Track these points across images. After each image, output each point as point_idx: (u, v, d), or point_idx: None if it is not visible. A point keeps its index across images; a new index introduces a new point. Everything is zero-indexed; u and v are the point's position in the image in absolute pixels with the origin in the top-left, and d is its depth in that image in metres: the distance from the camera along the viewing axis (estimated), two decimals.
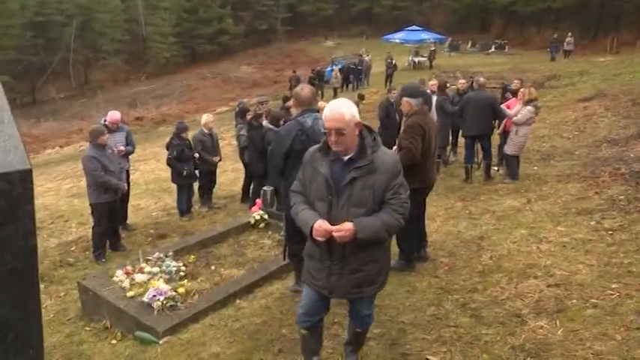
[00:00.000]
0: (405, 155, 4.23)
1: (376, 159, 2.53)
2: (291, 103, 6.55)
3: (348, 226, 2.47)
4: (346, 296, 2.81)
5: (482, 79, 8.61)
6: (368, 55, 27.15)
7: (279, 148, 3.88)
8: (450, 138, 9.28)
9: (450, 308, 3.88)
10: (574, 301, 3.80)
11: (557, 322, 3.51)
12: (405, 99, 4.48)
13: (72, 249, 6.37)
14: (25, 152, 0.76)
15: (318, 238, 2.51)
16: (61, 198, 9.93)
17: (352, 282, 2.67)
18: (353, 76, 23.92)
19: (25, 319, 0.79)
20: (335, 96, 20.99)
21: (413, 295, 4.15)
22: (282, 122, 6.62)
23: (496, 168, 8.33)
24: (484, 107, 7.62)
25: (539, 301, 3.84)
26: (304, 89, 3.95)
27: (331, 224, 2.52)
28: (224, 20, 46.11)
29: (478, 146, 8.08)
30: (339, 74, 22.65)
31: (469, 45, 36.54)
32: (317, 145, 2.73)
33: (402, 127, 4.53)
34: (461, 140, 9.03)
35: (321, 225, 2.50)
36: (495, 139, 8.35)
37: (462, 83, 9.85)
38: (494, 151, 8.22)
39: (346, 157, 2.57)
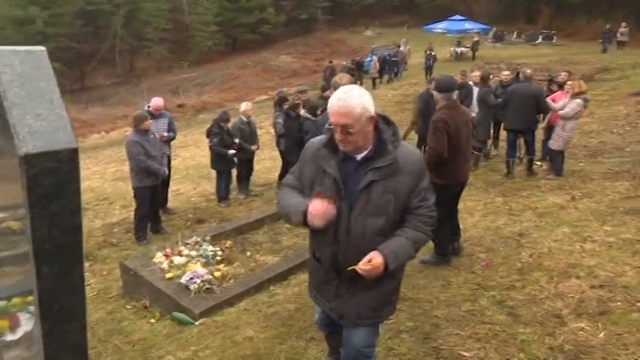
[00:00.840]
0: (429, 155, 4.19)
1: (399, 157, 2.07)
2: (329, 92, 6.53)
3: (377, 261, 2.00)
4: (360, 322, 2.28)
5: (528, 71, 8.31)
6: (406, 46, 26.68)
7: (318, 135, 3.89)
8: (492, 131, 9.04)
9: (485, 305, 3.80)
10: (618, 303, 3.65)
11: (600, 325, 3.39)
12: (434, 92, 4.45)
13: (115, 230, 6.61)
14: (73, 132, 0.78)
15: (317, 223, 2.01)
16: (106, 181, 10.30)
17: (366, 303, 2.23)
18: (387, 67, 23.57)
19: (70, 292, 0.82)
20: (374, 87, 20.80)
21: (447, 290, 4.09)
22: (319, 112, 6.62)
23: (539, 163, 8.07)
24: (529, 100, 7.36)
25: (581, 302, 3.72)
26: (343, 78, 3.93)
27: (341, 240, 2.12)
28: (265, 9, 46.30)
29: (521, 141, 7.84)
30: (377, 64, 22.39)
31: (514, 35, 35.32)
32: (321, 138, 2.26)
33: None
34: (503, 134, 8.78)
35: (317, 206, 1.98)
36: (540, 133, 8.08)
37: (506, 75, 9.54)
38: (538, 145, 7.96)
39: (360, 156, 2.11)
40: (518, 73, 9.97)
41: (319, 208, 1.99)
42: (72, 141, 0.77)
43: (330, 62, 24.35)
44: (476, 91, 8.45)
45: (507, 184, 7.35)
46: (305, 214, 2.03)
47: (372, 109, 2.03)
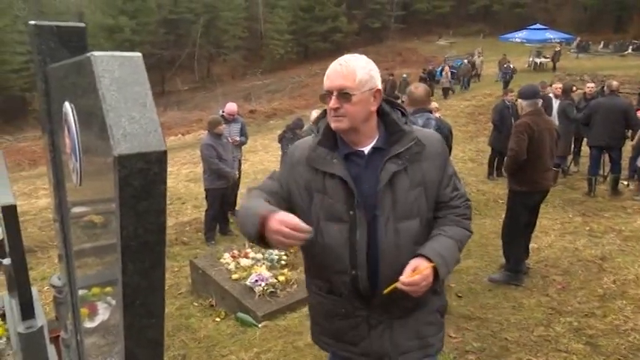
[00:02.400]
0: (508, 157, 4.21)
1: (418, 135, 1.64)
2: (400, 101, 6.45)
3: (424, 268, 1.51)
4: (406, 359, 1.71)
5: (614, 83, 7.75)
6: (479, 57, 25.84)
7: None
8: (573, 146, 8.52)
9: (561, 331, 3.56)
10: None
11: None
12: (518, 101, 4.46)
13: (186, 229, 6.89)
14: (162, 135, 0.81)
15: (282, 241, 1.45)
16: (179, 182, 10.78)
17: (411, 332, 1.70)
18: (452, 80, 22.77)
19: (151, 289, 0.85)
20: (445, 97, 20.33)
21: (519, 312, 3.88)
22: None
23: (625, 182, 7.49)
24: (615, 114, 6.86)
25: None
26: (418, 88, 3.87)
27: (362, 261, 1.61)
28: (338, 18, 46.82)
29: (605, 157, 7.32)
30: (449, 74, 21.86)
31: (601, 45, 33.23)
32: (310, 138, 1.74)
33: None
34: (585, 150, 8.24)
35: (282, 219, 1.44)
36: (627, 150, 7.50)
37: (590, 87, 8.96)
38: (624, 163, 7.39)
39: (368, 147, 1.64)
40: (603, 86, 9.35)
41: (282, 229, 1.42)
42: (161, 144, 0.80)
43: (391, 75, 23.84)
44: (556, 103, 8.01)
45: (588, 203, 6.88)
46: (263, 224, 1.48)
47: (378, 81, 1.61)
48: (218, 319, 4.01)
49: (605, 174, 7.54)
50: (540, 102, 4.52)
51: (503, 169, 4.36)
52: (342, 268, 1.64)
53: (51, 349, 3.09)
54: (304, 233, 1.44)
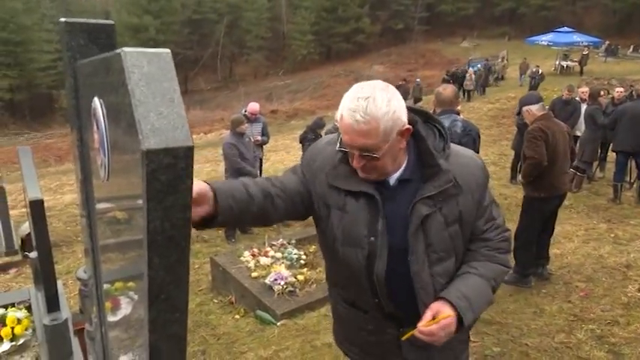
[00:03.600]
0: (529, 164, 4.09)
1: (456, 171, 1.40)
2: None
3: (445, 316, 1.34)
4: None
5: None
6: (503, 60, 25.47)
7: None
8: (599, 152, 8.34)
9: (583, 338, 3.49)
10: None
11: None
12: (524, 108, 4.29)
13: None
14: (189, 131, 0.82)
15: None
16: (201, 180, 10.91)
17: (447, 352, 1.57)
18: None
19: (175, 283, 0.86)
20: (468, 99, 20.12)
21: (540, 318, 3.82)
22: None
23: None
24: None
25: None
26: (446, 89, 3.84)
27: (382, 290, 1.46)
28: (361, 19, 46.78)
29: (632, 163, 7.15)
30: (473, 76, 21.62)
31: (630, 49, 32.44)
32: (332, 138, 1.53)
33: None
34: (611, 155, 8.06)
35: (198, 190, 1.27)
36: None
37: (619, 92, 8.74)
38: None
39: (393, 178, 1.44)
40: (632, 91, 9.13)
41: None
42: (188, 139, 0.81)
43: (404, 80, 23.40)
44: (583, 108, 7.86)
45: (613, 209, 6.72)
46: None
47: (403, 119, 1.33)
48: (237, 317, 4.04)
49: (632, 180, 7.36)
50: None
51: (520, 177, 4.25)
52: (364, 293, 1.50)
53: (75, 342, 3.16)
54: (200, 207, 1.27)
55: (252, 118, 6.95)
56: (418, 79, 23.04)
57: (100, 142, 1.10)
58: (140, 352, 1.27)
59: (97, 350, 1.63)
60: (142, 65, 0.83)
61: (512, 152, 8.72)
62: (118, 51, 0.84)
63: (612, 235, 5.65)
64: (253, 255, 4.69)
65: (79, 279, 1.98)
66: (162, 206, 0.79)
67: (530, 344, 3.45)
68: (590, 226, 6.05)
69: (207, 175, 11.12)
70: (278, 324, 3.78)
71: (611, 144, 7.72)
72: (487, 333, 3.59)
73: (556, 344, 3.44)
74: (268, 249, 4.82)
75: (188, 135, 0.81)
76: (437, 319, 1.35)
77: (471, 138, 4.01)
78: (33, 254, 3.30)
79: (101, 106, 1.08)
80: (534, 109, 4.22)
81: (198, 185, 1.28)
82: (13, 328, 3.18)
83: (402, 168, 1.43)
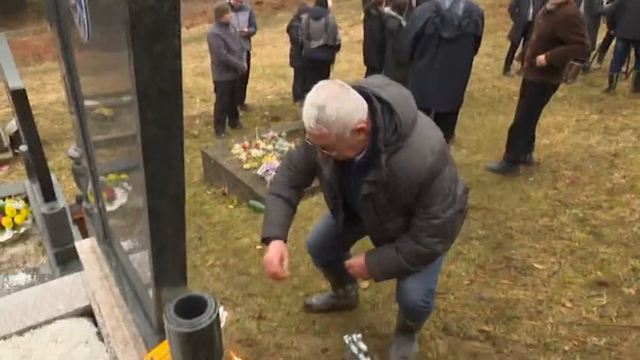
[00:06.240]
0: (576, 50, 3.92)
1: (395, 168, 1.67)
2: None
3: (357, 261, 2.00)
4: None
5: None
6: None
7: (410, 31, 3.73)
8: (596, 42, 8.10)
9: (565, 221, 3.64)
10: None
11: None
12: None
13: (196, 122, 6.89)
14: None
15: (266, 268, 1.88)
16: (186, 76, 10.57)
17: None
18: None
19: (169, 140, 0.84)
20: None
21: (525, 203, 3.95)
22: (406, 10, 6.23)
23: None
24: None
25: None
26: None
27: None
28: None
29: (632, 52, 6.98)
30: None
31: None
32: None
33: (547, 21, 3.98)
34: (612, 48, 7.83)
35: (269, 261, 1.85)
36: None
37: None
38: None
39: (358, 157, 1.75)
40: None
41: (269, 265, 1.85)
42: None
43: None
44: None
45: (607, 100, 6.69)
46: (266, 242, 1.95)
47: (356, 119, 1.56)
48: (231, 206, 4.13)
49: (629, 71, 7.25)
50: None
51: (544, 60, 3.96)
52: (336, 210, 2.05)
53: (75, 229, 3.24)
54: (279, 278, 1.86)
55: (236, 6, 6.55)
56: None
57: None
58: (140, 237, 1.29)
59: (96, 226, 1.66)
60: None
61: (508, 44, 8.47)
62: None
63: (603, 126, 5.69)
64: (244, 147, 4.69)
65: (71, 157, 1.97)
66: (149, 55, 0.73)
67: (514, 227, 3.59)
68: (581, 117, 6.06)
69: (192, 71, 10.77)
70: None
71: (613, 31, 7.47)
72: (473, 218, 3.73)
73: (539, 227, 3.59)
74: (259, 141, 4.81)
75: None
76: (352, 269, 2.06)
77: (472, 21, 3.83)
78: (23, 147, 3.26)
79: None
80: None
81: (276, 253, 1.89)
82: (13, 218, 3.24)
83: (363, 153, 1.71)
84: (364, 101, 1.59)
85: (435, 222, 1.76)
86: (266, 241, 1.94)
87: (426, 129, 1.71)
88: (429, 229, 1.77)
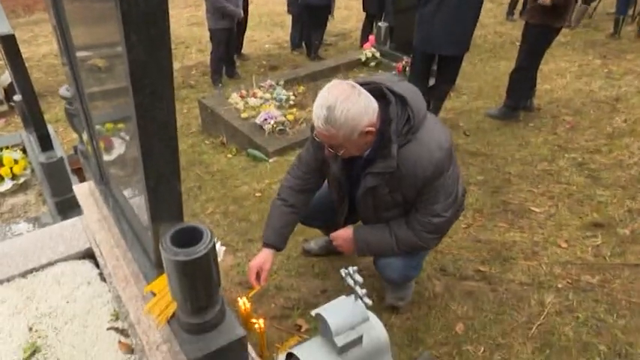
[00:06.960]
0: None
1: (402, 161, 1.69)
2: None
3: (343, 234, 2.04)
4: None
5: None
6: None
7: None
8: None
9: (564, 166, 3.65)
10: None
11: None
12: None
13: (192, 72, 6.77)
14: None
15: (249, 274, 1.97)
16: (181, 26, 10.28)
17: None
18: None
19: (158, 69, 0.83)
20: None
21: (524, 149, 3.94)
22: None
23: None
24: None
25: None
26: None
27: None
28: None
29: None
30: None
31: None
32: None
33: None
34: None
35: (259, 265, 1.96)
36: None
37: None
38: None
39: (365, 154, 1.80)
40: None
41: (248, 272, 1.96)
42: None
43: None
44: None
45: (611, 45, 6.55)
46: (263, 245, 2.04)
47: (364, 122, 1.58)
48: (230, 155, 4.13)
49: (636, 14, 7.05)
50: None
51: (545, 0, 3.81)
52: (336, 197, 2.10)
53: (74, 179, 3.25)
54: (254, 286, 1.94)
55: None
56: None
57: None
58: (139, 187, 1.29)
59: (92, 168, 1.66)
60: None
61: None
62: None
63: (606, 70, 5.59)
64: (242, 96, 4.63)
65: (62, 97, 1.94)
66: None
67: (512, 172, 3.60)
68: (584, 62, 5.95)
69: (187, 20, 10.47)
70: (270, 160, 3.89)
71: None
72: (472, 164, 3.73)
73: (538, 172, 3.60)
74: (257, 90, 4.74)
75: None
76: (336, 242, 2.12)
77: None
78: (17, 97, 3.22)
79: None
80: None
81: (258, 264, 1.97)
82: (11, 168, 3.25)
83: (369, 150, 1.75)
84: (374, 102, 1.62)
85: (435, 220, 1.82)
86: (264, 244, 2.04)
87: (435, 126, 1.74)
88: (428, 226, 1.83)
